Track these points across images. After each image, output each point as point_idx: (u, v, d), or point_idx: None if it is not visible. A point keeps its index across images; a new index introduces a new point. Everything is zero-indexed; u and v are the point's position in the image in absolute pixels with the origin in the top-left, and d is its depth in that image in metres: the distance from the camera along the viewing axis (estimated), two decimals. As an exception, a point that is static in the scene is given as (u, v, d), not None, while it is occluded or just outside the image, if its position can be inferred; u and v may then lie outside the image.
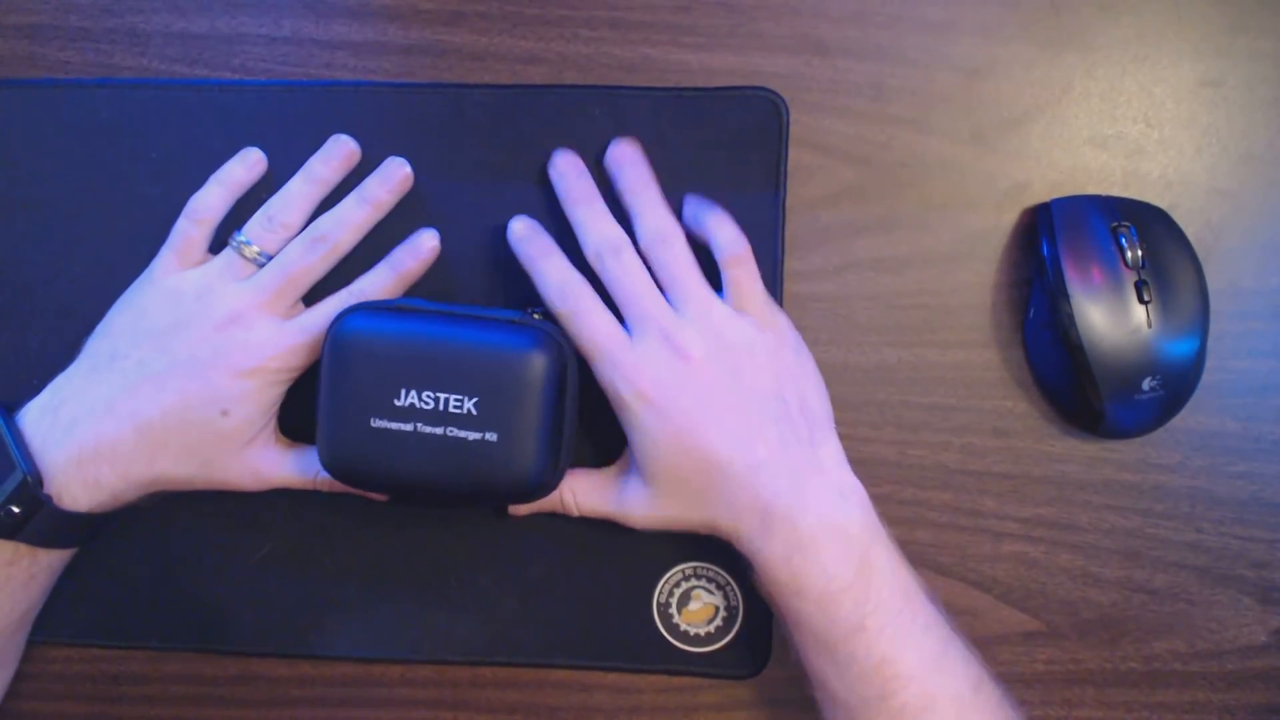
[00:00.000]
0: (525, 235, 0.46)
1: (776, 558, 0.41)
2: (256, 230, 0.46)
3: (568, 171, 0.47)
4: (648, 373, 0.42)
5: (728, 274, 0.44)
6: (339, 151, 0.48)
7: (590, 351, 0.43)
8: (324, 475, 0.45)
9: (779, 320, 0.44)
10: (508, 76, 0.51)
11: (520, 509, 0.47)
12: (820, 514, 0.41)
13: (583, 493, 0.46)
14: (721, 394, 0.42)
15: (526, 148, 0.49)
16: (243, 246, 0.46)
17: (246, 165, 0.48)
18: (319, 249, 0.46)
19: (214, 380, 0.43)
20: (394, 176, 0.48)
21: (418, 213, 0.49)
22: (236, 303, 0.44)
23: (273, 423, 0.46)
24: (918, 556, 0.49)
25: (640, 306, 0.43)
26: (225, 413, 0.44)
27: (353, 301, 0.46)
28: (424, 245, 0.48)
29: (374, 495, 0.47)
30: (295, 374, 0.45)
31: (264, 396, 0.45)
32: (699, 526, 0.44)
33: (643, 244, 0.45)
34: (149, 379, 0.44)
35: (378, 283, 0.47)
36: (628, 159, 0.46)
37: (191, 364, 0.44)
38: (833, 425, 0.44)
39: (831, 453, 0.43)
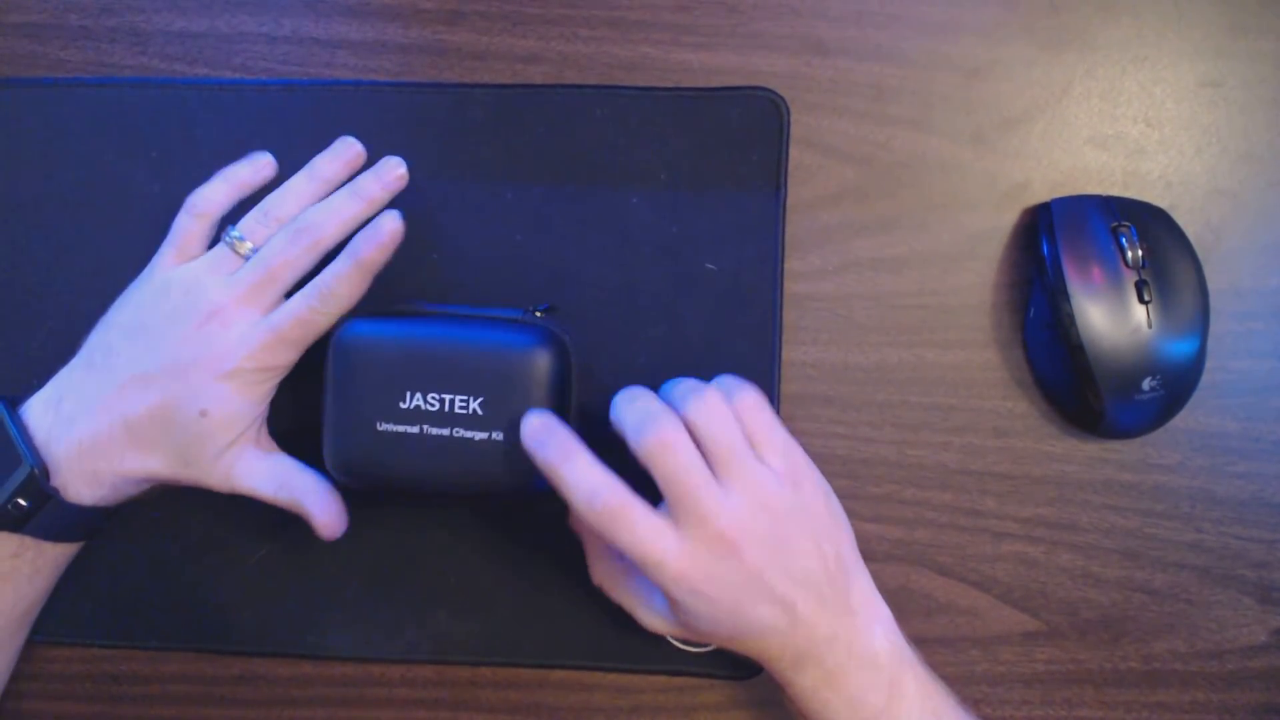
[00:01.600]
0: (542, 437, 0.41)
1: (806, 690, 0.41)
2: (250, 225, 0.45)
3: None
4: (699, 573, 0.39)
5: (745, 422, 0.42)
6: (346, 153, 0.47)
7: (635, 557, 0.39)
8: (284, 493, 0.44)
9: (803, 464, 0.42)
10: (508, 76, 0.51)
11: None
12: (849, 647, 0.41)
13: (603, 569, 0.45)
14: (769, 568, 0.40)
15: (526, 148, 0.49)
16: (235, 242, 0.45)
17: (254, 167, 0.47)
18: (302, 240, 0.44)
19: (194, 381, 0.43)
20: (389, 174, 0.47)
21: (417, 212, 0.49)
22: (218, 298, 0.43)
23: (258, 425, 0.45)
24: (918, 556, 0.49)
25: (679, 488, 0.40)
26: (204, 413, 0.43)
27: (315, 294, 0.44)
28: (384, 229, 0.44)
29: (323, 520, 0.44)
30: (275, 373, 0.44)
31: (244, 397, 0.43)
32: (724, 646, 0.43)
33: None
34: (137, 377, 0.43)
35: (338, 272, 0.44)
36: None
37: (175, 365, 0.43)
38: (860, 561, 0.43)
39: (861, 589, 0.42)
